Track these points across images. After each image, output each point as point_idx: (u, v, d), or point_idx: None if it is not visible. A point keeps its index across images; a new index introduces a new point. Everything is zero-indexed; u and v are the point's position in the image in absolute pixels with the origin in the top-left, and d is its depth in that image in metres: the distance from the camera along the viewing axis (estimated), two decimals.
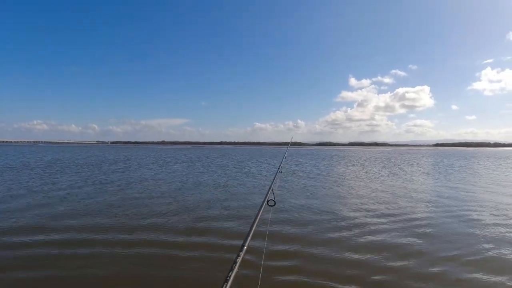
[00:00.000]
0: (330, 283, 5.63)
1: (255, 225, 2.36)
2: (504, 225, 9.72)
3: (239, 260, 1.86)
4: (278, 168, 5.52)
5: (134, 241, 7.95)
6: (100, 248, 7.40)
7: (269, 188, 3.43)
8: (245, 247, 2.03)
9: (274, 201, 3.23)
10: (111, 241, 7.95)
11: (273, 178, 4.27)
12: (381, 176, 24.73)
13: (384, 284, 5.72)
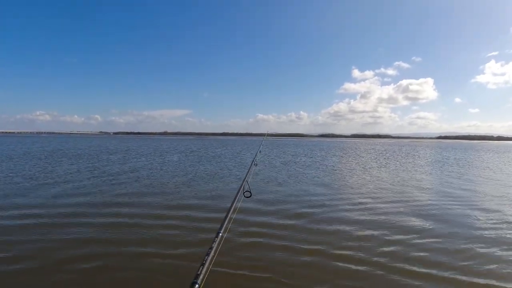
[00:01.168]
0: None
1: (230, 213, 2.49)
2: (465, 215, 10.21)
3: (214, 245, 1.96)
4: (253, 161, 5.47)
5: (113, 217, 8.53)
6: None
7: (243, 180, 3.51)
8: (220, 234, 2.14)
9: (250, 193, 3.36)
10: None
11: (247, 170, 4.35)
12: (371, 167, 25.11)
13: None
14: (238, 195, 3.04)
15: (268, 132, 10.58)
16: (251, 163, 5.19)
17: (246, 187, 3.41)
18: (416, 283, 5.45)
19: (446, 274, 5.77)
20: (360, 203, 11.47)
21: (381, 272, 5.84)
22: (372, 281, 5.54)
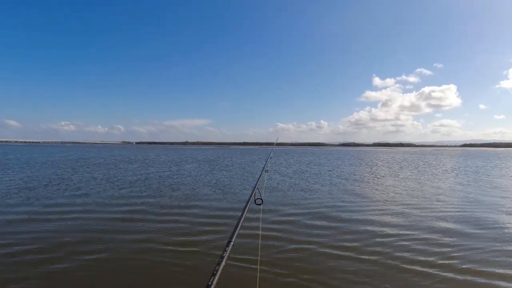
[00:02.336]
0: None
1: (241, 222, 2.43)
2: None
3: (225, 254, 1.93)
4: (264, 167, 5.45)
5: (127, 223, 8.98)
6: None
7: (254, 188, 3.40)
8: (231, 243, 2.10)
9: (262, 200, 3.25)
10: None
11: (258, 177, 4.25)
12: (383, 176, 24.91)
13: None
14: (249, 203, 2.97)
15: (277, 141, 10.64)
16: (262, 170, 5.17)
17: (257, 195, 3.31)
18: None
19: None
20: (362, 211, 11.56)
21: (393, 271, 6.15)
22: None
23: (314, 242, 8.06)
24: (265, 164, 5.66)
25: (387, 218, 10.69)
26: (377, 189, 17.50)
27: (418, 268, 6.46)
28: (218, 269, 1.76)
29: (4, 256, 6.89)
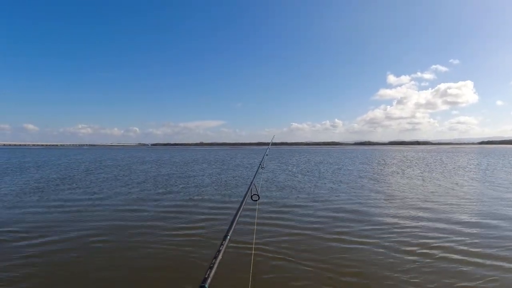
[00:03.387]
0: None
1: (237, 217, 2.46)
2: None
3: (222, 248, 1.97)
4: (260, 164, 5.58)
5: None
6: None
7: (250, 183, 3.44)
8: (228, 237, 2.14)
9: (258, 196, 3.30)
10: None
11: (254, 173, 4.35)
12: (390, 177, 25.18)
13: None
14: (246, 198, 3.01)
15: (273, 139, 11.10)
16: (258, 166, 5.21)
17: (254, 190, 3.34)
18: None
19: None
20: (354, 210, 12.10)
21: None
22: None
23: (308, 228, 9.08)
24: (261, 161, 5.84)
25: (380, 210, 11.30)
26: (380, 186, 17.90)
27: (404, 252, 7.07)
28: (215, 263, 1.80)
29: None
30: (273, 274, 6.08)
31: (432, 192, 15.72)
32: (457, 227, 9.21)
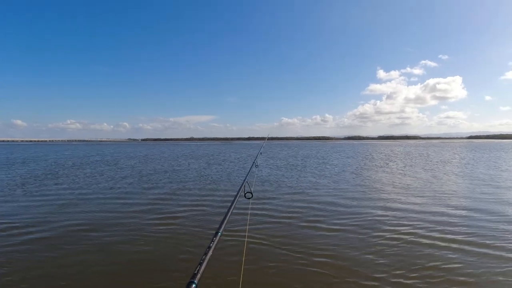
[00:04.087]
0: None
1: (229, 214, 2.47)
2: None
3: (213, 245, 1.96)
4: (253, 162, 5.57)
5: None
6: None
7: (243, 181, 3.44)
8: (219, 234, 2.14)
9: (251, 193, 3.31)
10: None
11: (248, 171, 4.37)
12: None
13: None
14: (238, 196, 3.01)
15: (269, 136, 11.26)
16: (252, 165, 5.26)
17: (247, 188, 3.37)
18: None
19: None
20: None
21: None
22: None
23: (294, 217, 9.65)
24: (255, 159, 5.80)
25: (357, 202, 11.66)
26: (361, 179, 18.29)
27: (375, 237, 7.49)
28: (205, 259, 1.80)
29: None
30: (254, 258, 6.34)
31: (409, 184, 16.20)
32: (427, 216, 9.74)
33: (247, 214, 8.94)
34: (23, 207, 11.38)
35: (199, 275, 1.66)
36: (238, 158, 40.37)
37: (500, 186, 15.33)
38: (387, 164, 29.35)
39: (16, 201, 12.47)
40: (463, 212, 10.22)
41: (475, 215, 9.89)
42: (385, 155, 44.46)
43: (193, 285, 1.59)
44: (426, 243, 7.34)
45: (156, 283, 5.53)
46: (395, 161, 32.58)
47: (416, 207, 10.98)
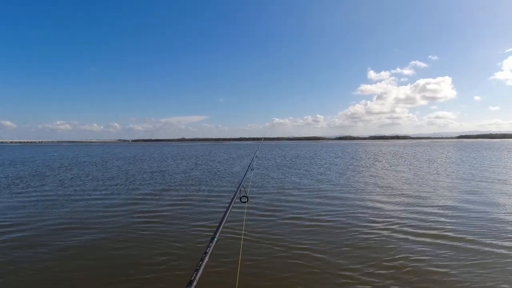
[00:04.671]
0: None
1: (225, 219, 2.43)
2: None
3: (209, 251, 1.94)
4: (249, 166, 5.48)
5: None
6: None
7: (239, 185, 3.40)
8: (215, 239, 2.11)
9: (247, 197, 3.27)
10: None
11: (243, 175, 4.45)
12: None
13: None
14: (234, 200, 2.97)
15: (265, 137, 11.16)
16: (247, 168, 5.14)
17: (243, 192, 3.33)
18: None
19: None
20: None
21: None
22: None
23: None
24: (250, 163, 5.72)
25: (338, 200, 11.95)
26: (344, 178, 18.55)
27: (353, 231, 7.72)
28: (201, 265, 1.76)
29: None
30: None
31: (390, 183, 16.58)
32: (403, 213, 10.16)
33: (242, 214, 8.68)
34: (7, 207, 11.45)
35: (195, 282, 1.63)
36: (226, 158, 40.46)
37: (479, 185, 15.72)
38: (373, 164, 29.73)
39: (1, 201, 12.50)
40: (438, 209, 10.58)
41: (448, 212, 10.26)
42: (373, 155, 44.95)
43: None
44: (400, 237, 7.74)
45: None
46: (381, 161, 33.02)
47: (393, 205, 11.33)
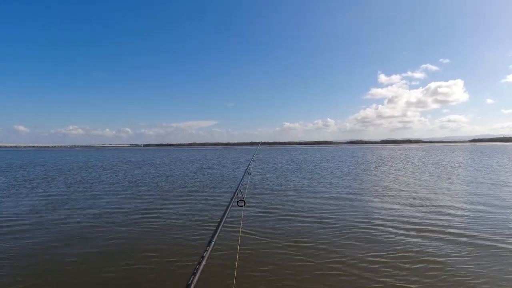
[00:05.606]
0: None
1: (222, 223, 2.45)
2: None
3: (206, 254, 1.95)
4: (246, 170, 5.45)
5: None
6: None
7: (236, 189, 3.42)
8: (212, 243, 2.12)
9: (244, 201, 3.28)
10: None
11: (240, 179, 4.29)
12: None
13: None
14: (231, 204, 2.99)
15: (262, 142, 11.12)
16: (244, 172, 5.17)
17: (240, 196, 3.33)
18: None
19: None
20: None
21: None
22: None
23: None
24: (247, 167, 5.70)
25: (335, 201, 12.24)
26: (344, 181, 18.77)
27: (346, 227, 8.13)
28: (198, 269, 1.77)
29: None
30: None
31: (387, 185, 16.85)
32: (395, 212, 10.74)
33: (239, 218, 8.99)
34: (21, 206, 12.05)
35: (193, 285, 1.64)
36: (233, 162, 40.89)
37: (478, 187, 15.82)
38: (376, 167, 29.78)
39: (16, 200, 13.16)
40: (433, 209, 11.02)
41: (431, 212, 10.59)
42: (381, 159, 44.81)
43: None
44: (392, 232, 8.46)
45: None
46: (386, 165, 32.99)
47: (387, 205, 11.76)
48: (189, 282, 1.64)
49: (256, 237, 8.29)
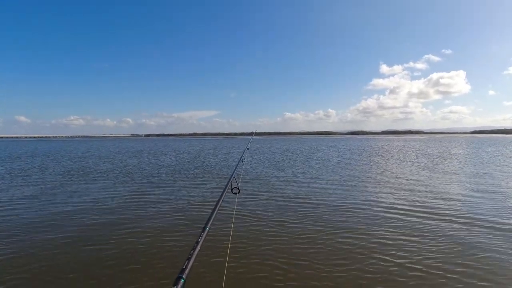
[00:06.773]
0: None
1: (217, 209, 2.47)
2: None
3: (201, 240, 1.97)
4: (241, 157, 5.54)
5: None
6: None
7: (231, 177, 3.46)
8: (207, 229, 2.16)
9: (238, 189, 3.35)
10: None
11: (235, 166, 4.36)
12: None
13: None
14: (226, 191, 3.04)
15: (256, 131, 11.33)
16: (239, 160, 5.22)
17: (234, 184, 3.39)
18: None
19: None
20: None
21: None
22: None
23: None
24: (242, 155, 5.76)
25: (321, 190, 12.88)
26: (335, 171, 19.44)
27: (334, 213, 8.71)
28: (193, 254, 1.80)
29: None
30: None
31: (377, 176, 17.41)
32: (380, 198, 10.96)
33: (233, 205, 9.13)
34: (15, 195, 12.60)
35: (187, 270, 1.67)
36: (229, 152, 41.49)
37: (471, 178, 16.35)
38: (369, 158, 30.33)
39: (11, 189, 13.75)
40: (409, 207, 11.38)
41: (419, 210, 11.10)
42: (377, 150, 45.30)
43: (182, 280, 1.59)
44: (375, 215, 9.18)
45: (143, 278, 5.48)
46: (381, 155, 33.59)
47: (372, 195, 12.11)
48: (184, 267, 1.68)
49: (249, 223, 8.55)
